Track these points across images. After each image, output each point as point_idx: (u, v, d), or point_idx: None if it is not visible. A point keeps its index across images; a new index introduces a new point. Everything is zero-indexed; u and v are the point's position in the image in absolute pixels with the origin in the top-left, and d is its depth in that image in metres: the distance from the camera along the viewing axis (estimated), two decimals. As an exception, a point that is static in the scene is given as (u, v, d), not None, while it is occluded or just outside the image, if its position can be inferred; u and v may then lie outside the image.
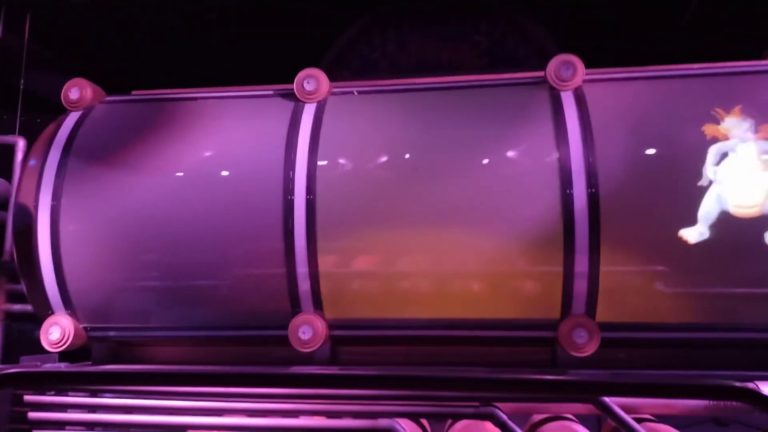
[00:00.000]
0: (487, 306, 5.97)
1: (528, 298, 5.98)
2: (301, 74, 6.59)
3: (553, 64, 6.26)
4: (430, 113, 6.34)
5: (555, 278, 5.78)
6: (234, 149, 6.43)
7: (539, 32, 7.94)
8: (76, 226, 6.33)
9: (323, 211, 5.98)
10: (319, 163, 6.11)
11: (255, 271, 6.25)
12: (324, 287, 6.07)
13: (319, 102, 6.54)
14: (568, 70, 6.23)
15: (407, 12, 8.17)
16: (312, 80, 6.56)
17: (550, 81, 6.25)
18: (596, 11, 7.83)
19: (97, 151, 6.58)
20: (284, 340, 6.22)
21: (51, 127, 7.03)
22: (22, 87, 8.44)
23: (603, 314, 5.78)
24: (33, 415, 5.16)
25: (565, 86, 6.25)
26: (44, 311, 6.54)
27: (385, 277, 6.07)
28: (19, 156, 7.69)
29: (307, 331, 6.09)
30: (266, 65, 8.57)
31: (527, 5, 7.95)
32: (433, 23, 8.01)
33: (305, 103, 6.55)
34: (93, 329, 6.55)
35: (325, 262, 6.01)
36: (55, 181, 6.40)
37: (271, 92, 6.88)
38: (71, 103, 6.86)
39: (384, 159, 6.16)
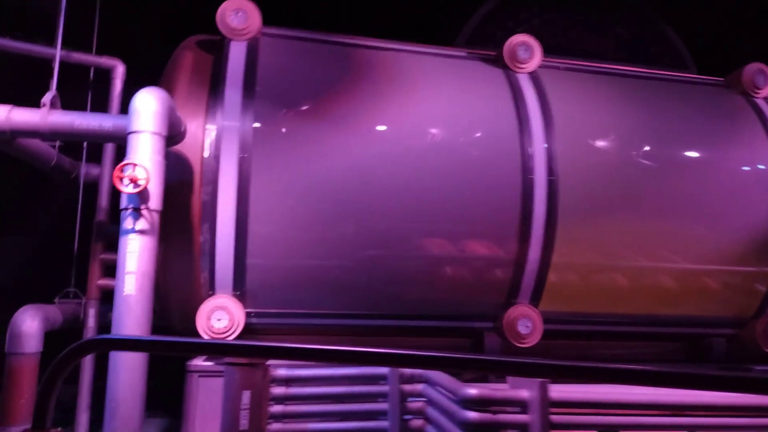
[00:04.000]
0: (702, 303, 5.99)
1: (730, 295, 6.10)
2: (512, 41, 5.94)
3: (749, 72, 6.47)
4: (651, 102, 6.13)
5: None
6: (453, 115, 5.58)
7: (673, 34, 8.10)
8: (269, 186, 5.01)
9: (566, 195, 5.46)
10: (558, 142, 5.57)
11: (475, 255, 5.52)
12: (551, 278, 5.58)
13: (530, 74, 5.96)
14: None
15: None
16: (524, 47, 5.96)
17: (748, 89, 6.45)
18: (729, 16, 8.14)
19: (286, 96, 5.25)
20: (482, 333, 5.68)
21: (196, 56, 5.48)
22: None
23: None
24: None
25: (757, 94, 6.49)
26: (197, 291, 5.11)
27: (612, 271, 5.75)
28: (117, 84, 5.82)
29: (526, 324, 5.57)
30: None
31: (667, 7, 8.04)
32: (581, 9, 7.73)
33: (516, 72, 5.92)
34: (256, 315, 5.29)
35: (561, 252, 5.51)
36: (241, 128, 4.98)
37: (468, 55, 6.11)
38: (234, 31, 5.37)
39: (618, 145, 5.82)
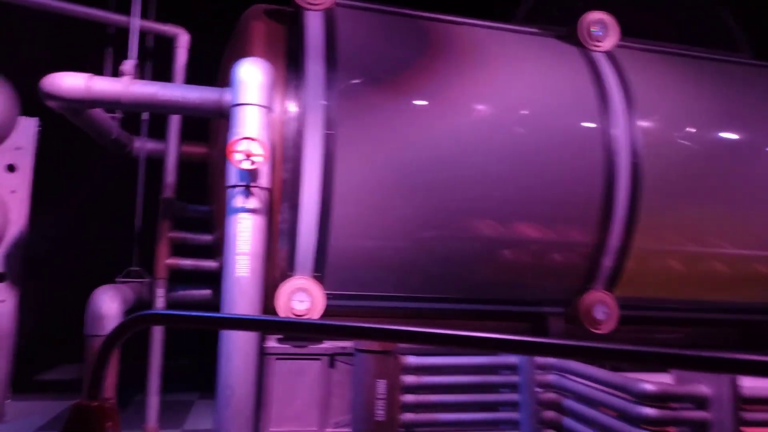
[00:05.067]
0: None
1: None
2: (587, 18, 5.72)
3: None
4: (726, 86, 5.96)
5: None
6: (533, 93, 5.37)
7: (728, 16, 7.91)
8: (354, 165, 4.79)
9: (649, 178, 5.31)
10: (640, 123, 5.40)
11: (553, 239, 5.37)
12: (630, 264, 5.46)
13: (607, 52, 5.75)
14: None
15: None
16: (600, 25, 5.75)
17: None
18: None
19: (367, 70, 5.01)
20: (546, 318, 5.56)
21: (267, 27, 5.20)
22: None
23: None
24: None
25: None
26: (271, 271, 4.92)
27: (689, 257, 5.65)
28: (181, 53, 5.50)
29: (602, 310, 5.46)
30: None
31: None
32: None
33: (592, 50, 5.71)
34: (334, 297, 5.12)
35: (641, 237, 5.38)
36: (326, 102, 4.75)
37: (539, 32, 5.88)
38: (309, 0, 5.10)
39: (698, 128, 5.66)
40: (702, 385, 3.25)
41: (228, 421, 3.46)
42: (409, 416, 3.86)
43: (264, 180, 3.76)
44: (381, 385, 3.61)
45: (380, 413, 3.58)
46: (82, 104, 4.13)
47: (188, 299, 5.75)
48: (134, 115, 5.67)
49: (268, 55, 5.03)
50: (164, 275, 5.24)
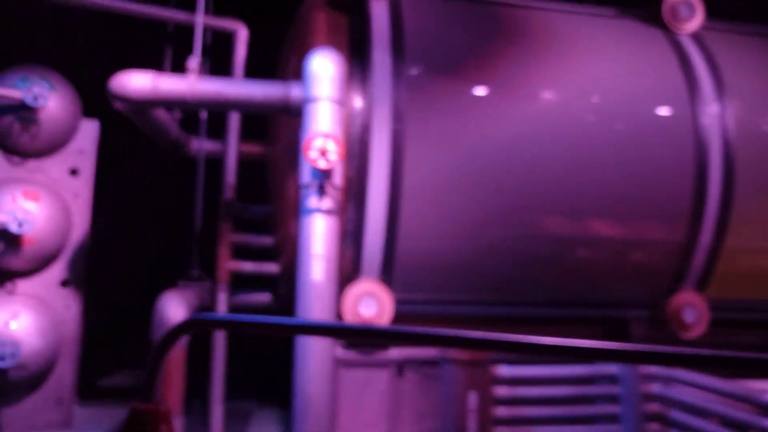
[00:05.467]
0: None
1: None
2: (671, -3, 5.30)
3: None
4: None
5: None
6: (615, 82, 4.99)
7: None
8: (422, 162, 4.53)
9: (744, 171, 4.87)
10: (732, 111, 4.95)
11: (638, 237, 4.99)
12: (722, 263, 5.02)
13: (694, 35, 5.31)
14: None
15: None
16: (685, 5, 5.31)
17: None
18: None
19: (436, 60, 4.74)
20: (628, 322, 5.16)
21: (329, 17, 4.98)
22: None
23: None
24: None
25: None
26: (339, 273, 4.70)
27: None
28: (240, 49, 5.35)
29: (691, 312, 5.04)
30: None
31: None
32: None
33: (678, 33, 5.28)
34: (402, 302, 4.85)
35: (735, 233, 4.94)
36: (394, 96, 4.49)
37: (617, 14, 5.48)
38: (374, -11, 4.85)
39: None
40: None
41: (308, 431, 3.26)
42: (502, 431, 3.58)
43: (337, 179, 3.54)
44: (473, 398, 3.33)
45: (472, 427, 3.30)
46: (149, 104, 4.00)
47: (248, 303, 5.59)
48: (192, 114, 5.55)
49: (332, 47, 4.82)
50: (226, 279, 5.09)
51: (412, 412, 4.97)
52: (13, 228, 4.93)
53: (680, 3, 5.28)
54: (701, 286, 5.10)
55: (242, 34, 5.36)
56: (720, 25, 5.56)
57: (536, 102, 4.80)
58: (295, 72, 5.06)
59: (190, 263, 5.30)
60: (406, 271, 4.74)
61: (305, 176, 3.50)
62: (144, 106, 4.05)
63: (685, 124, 4.87)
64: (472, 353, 3.33)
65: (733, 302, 5.28)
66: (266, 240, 5.40)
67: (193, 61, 4.04)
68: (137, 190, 6.45)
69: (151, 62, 4.46)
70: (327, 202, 3.46)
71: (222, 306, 5.04)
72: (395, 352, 4.88)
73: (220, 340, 5.19)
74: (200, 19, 4.51)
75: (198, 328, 1.88)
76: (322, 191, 3.42)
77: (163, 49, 5.37)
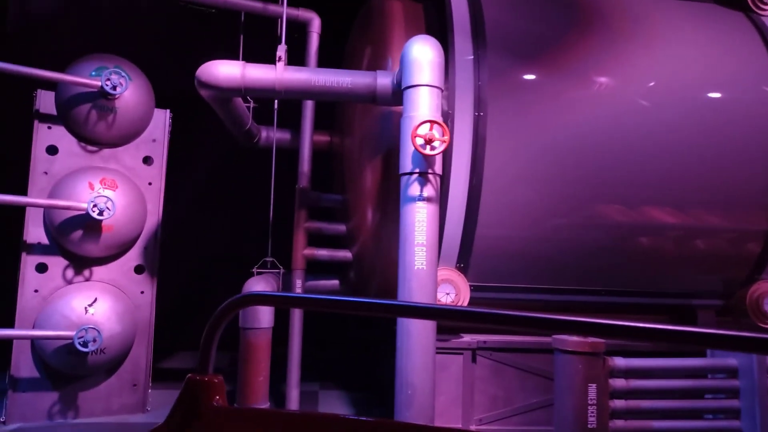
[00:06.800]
0: None
1: None
2: (756, -24, 5.13)
3: None
4: None
5: None
6: (699, 66, 4.88)
7: None
8: (503, 150, 4.49)
9: None
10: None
11: (718, 226, 4.89)
12: (807, 250, 4.91)
13: (778, 15, 5.15)
14: None
15: None
16: (769, -14, 5.14)
17: None
18: None
19: (515, 47, 4.68)
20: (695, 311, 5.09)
21: (404, 5, 4.95)
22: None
23: None
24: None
25: None
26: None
27: None
28: (314, 39, 5.35)
29: (771, 302, 4.94)
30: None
31: None
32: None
33: (762, 14, 5.12)
34: (477, 289, 4.85)
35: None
36: (476, 82, 4.45)
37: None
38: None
39: None
40: None
41: (413, 420, 3.28)
42: (619, 423, 3.56)
43: (438, 166, 3.53)
44: (592, 390, 3.31)
45: (592, 420, 3.29)
46: (237, 92, 4.03)
47: (317, 289, 5.65)
48: (263, 104, 5.58)
49: (409, 35, 4.78)
50: (302, 266, 5.14)
51: (485, 399, 5.00)
52: (94, 216, 5.03)
53: (764, -16, 5.12)
54: (784, 275, 5.00)
55: (316, 24, 5.35)
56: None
57: (615, 89, 4.72)
58: (370, 61, 5.06)
59: (262, 251, 5.36)
60: (482, 259, 4.74)
61: (407, 164, 3.49)
62: (233, 94, 4.07)
63: (767, 108, 4.74)
64: (588, 344, 3.31)
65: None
66: (339, 228, 5.43)
67: (281, 50, 4.05)
68: (208, 180, 6.52)
69: (220, 53, 4.47)
70: (428, 190, 3.46)
71: (298, 291, 5.10)
72: (469, 339, 4.90)
73: (296, 326, 5.26)
74: (284, 9, 4.52)
75: (252, 303, 1.93)
76: (424, 179, 3.41)
77: (232, 40, 5.37)
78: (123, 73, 5.18)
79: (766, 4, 5.13)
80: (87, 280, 5.47)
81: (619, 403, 3.59)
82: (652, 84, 4.75)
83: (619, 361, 3.65)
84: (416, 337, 3.40)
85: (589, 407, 3.27)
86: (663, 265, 5.02)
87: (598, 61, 4.73)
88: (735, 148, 4.72)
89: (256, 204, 5.67)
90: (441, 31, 4.62)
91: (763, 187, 4.75)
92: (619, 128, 4.63)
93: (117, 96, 5.16)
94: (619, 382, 3.60)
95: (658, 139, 4.68)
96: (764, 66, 4.84)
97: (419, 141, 3.30)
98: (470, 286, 4.75)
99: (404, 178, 3.52)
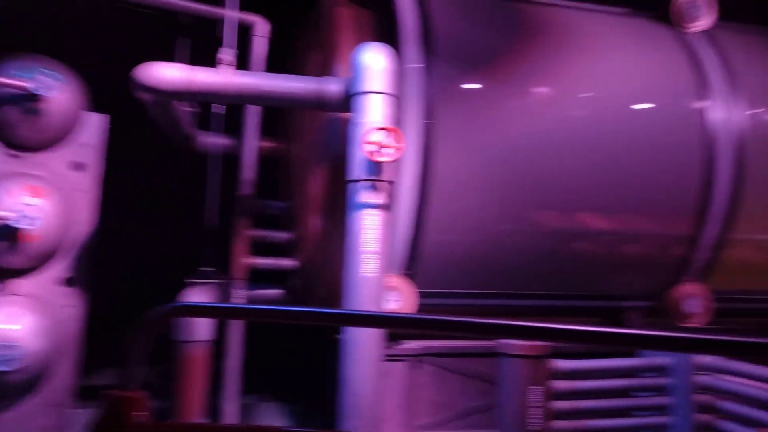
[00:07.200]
0: None
1: None
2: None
3: None
4: None
5: None
6: (629, 79, 5.15)
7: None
8: (451, 158, 4.56)
9: (755, 168, 5.12)
10: (743, 107, 5.20)
11: (646, 231, 5.19)
12: (727, 254, 5.28)
13: (704, 32, 5.52)
14: None
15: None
16: (693, 6, 5.53)
17: None
18: None
19: (463, 55, 4.77)
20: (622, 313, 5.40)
21: (352, 12, 4.96)
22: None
23: None
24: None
25: None
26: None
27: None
28: (259, 42, 5.23)
29: (693, 302, 5.30)
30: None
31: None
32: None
33: (687, 31, 5.49)
34: (425, 296, 4.90)
35: (739, 226, 5.20)
36: (424, 91, 4.51)
37: (627, 12, 5.65)
38: (401, -19, 4.83)
39: None
40: None
41: (358, 430, 3.26)
42: (560, 424, 3.67)
43: (389, 173, 3.55)
44: (535, 392, 3.40)
45: (535, 422, 3.38)
46: (181, 96, 3.88)
47: (259, 299, 5.52)
48: (205, 108, 5.41)
49: (359, 42, 4.79)
50: (242, 275, 5.00)
51: (427, 405, 5.04)
52: (15, 224, 4.69)
53: (689, 3, 5.49)
54: (704, 276, 5.36)
55: (261, 28, 5.26)
56: (731, 25, 5.79)
57: (554, 100, 4.92)
58: (318, 67, 5.02)
59: (201, 260, 5.18)
60: (428, 266, 4.79)
61: (356, 171, 3.48)
62: (176, 98, 3.93)
63: (695, 120, 5.09)
64: (533, 347, 3.41)
65: (735, 292, 5.56)
66: (284, 236, 5.34)
67: (227, 54, 3.95)
68: (147, 186, 6.23)
69: (158, 56, 4.31)
70: (379, 197, 3.46)
71: (238, 301, 4.96)
72: (413, 345, 4.94)
73: (235, 337, 5.10)
74: (230, 12, 4.41)
75: (178, 315, 1.84)
76: (374, 186, 3.41)
77: (172, 42, 5.19)
78: (52, 75, 4.89)
79: (691, 21, 5.50)
80: (7, 293, 5.09)
81: (560, 404, 3.73)
82: (588, 95, 4.99)
83: (561, 363, 3.79)
84: (363, 346, 3.38)
85: (532, 409, 3.37)
86: (597, 269, 5.26)
87: (540, 72, 4.92)
88: (662, 158, 5.03)
89: (198, 212, 5.48)
90: (390, 39, 4.66)
91: (686, 195, 5.09)
92: (558, 137, 4.83)
93: (45, 98, 4.85)
94: (560, 384, 3.74)
95: (594, 148, 4.91)
96: (689, 80, 5.20)
97: (371, 148, 3.31)
98: (418, 292, 4.80)
99: (354, 185, 3.51)
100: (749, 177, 5.10)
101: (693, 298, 5.28)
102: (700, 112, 5.12)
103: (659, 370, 3.95)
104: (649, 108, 5.11)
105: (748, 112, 5.18)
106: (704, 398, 3.80)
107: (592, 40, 5.22)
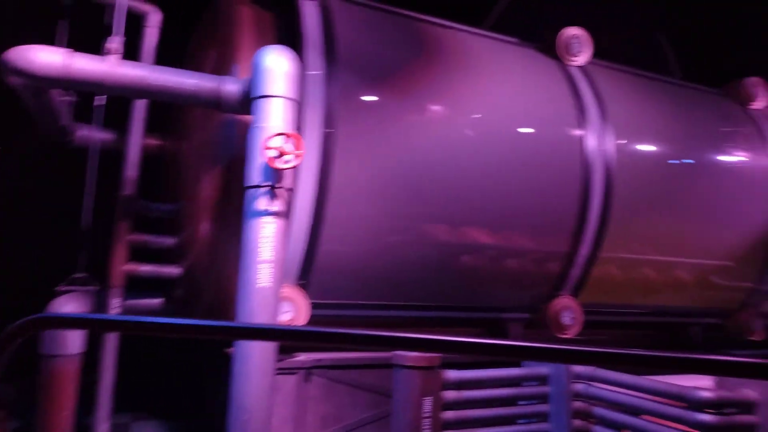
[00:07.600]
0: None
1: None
2: (566, 32, 5.94)
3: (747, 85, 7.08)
4: (679, 105, 6.47)
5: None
6: (518, 104, 5.46)
7: (663, 42, 8.56)
8: (350, 167, 4.53)
9: (620, 192, 5.60)
10: (612, 138, 5.68)
11: (528, 247, 5.50)
12: (595, 271, 5.73)
13: (581, 67, 6.00)
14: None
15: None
16: (576, 40, 5.99)
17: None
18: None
19: (366, 66, 4.77)
20: (506, 324, 5.75)
21: (254, 13, 4.80)
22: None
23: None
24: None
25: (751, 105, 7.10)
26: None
27: (646, 265, 6.04)
28: (151, 33, 4.85)
29: (569, 315, 5.69)
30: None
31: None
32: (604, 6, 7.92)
33: (568, 65, 5.94)
34: (318, 306, 4.82)
35: (608, 246, 5.66)
36: (327, 98, 4.44)
37: (519, 42, 6.00)
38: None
39: (662, 145, 6.09)
40: (749, 390, 3.49)
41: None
42: None
43: (288, 180, 3.43)
44: (427, 403, 3.42)
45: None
46: (57, 83, 3.50)
47: (137, 308, 5.12)
48: (83, 99, 4.93)
49: (259, 43, 4.64)
50: (120, 283, 4.60)
51: (316, 418, 4.94)
52: None
53: (572, 38, 5.94)
54: (576, 291, 5.77)
55: (154, 18, 4.92)
56: (603, 63, 6.35)
57: (448, 118, 5.08)
58: (215, 65, 4.79)
59: (75, 266, 4.70)
60: (324, 276, 4.73)
61: (254, 177, 3.33)
62: (51, 84, 3.55)
63: (575, 147, 5.49)
64: (427, 358, 3.43)
65: (601, 306, 6.05)
66: (167, 241, 5.00)
67: (115, 42, 3.64)
68: (14, 184, 5.55)
69: (46, 38, 3.87)
70: (277, 204, 3.33)
71: (115, 312, 4.56)
72: (303, 358, 4.83)
73: (109, 351, 4.68)
74: (122, -3, 4.07)
75: (46, 327, 1.62)
76: (273, 193, 3.28)
77: (52, 27, 4.71)
78: None
79: (573, 55, 5.95)
80: None
81: (450, 414, 3.82)
82: (479, 116, 5.21)
83: (451, 374, 3.88)
84: (255, 359, 3.24)
85: (424, 420, 3.42)
86: (481, 282, 5.49)
87: (436, 90, 5.06)
88: (543, 179, 5.37)
89: (72, 213, 4.98)
90: (292, 43, 4.55)
91: (563, 213, 5.46)
92: (449, 154, 4.99)
93: None
94: (450, 394, 3.83)
95: (483, 167, 5.13)
96: (569, 109, 5.60)
97: (272, 153, 3.20)
98: (311, 303, 4.70)
99: (251, 191, 3.36)
100: (615, 200, 5.59)
101: (568, 311, 5.67)
102: (579, 139, 5.53)
103: (540, 380, 4.18)
104: (534, 132, 5.44)
105: (616, 142, 5.69)
106: (580, 405, 4.07)
107: (486, 64, 5.48)
